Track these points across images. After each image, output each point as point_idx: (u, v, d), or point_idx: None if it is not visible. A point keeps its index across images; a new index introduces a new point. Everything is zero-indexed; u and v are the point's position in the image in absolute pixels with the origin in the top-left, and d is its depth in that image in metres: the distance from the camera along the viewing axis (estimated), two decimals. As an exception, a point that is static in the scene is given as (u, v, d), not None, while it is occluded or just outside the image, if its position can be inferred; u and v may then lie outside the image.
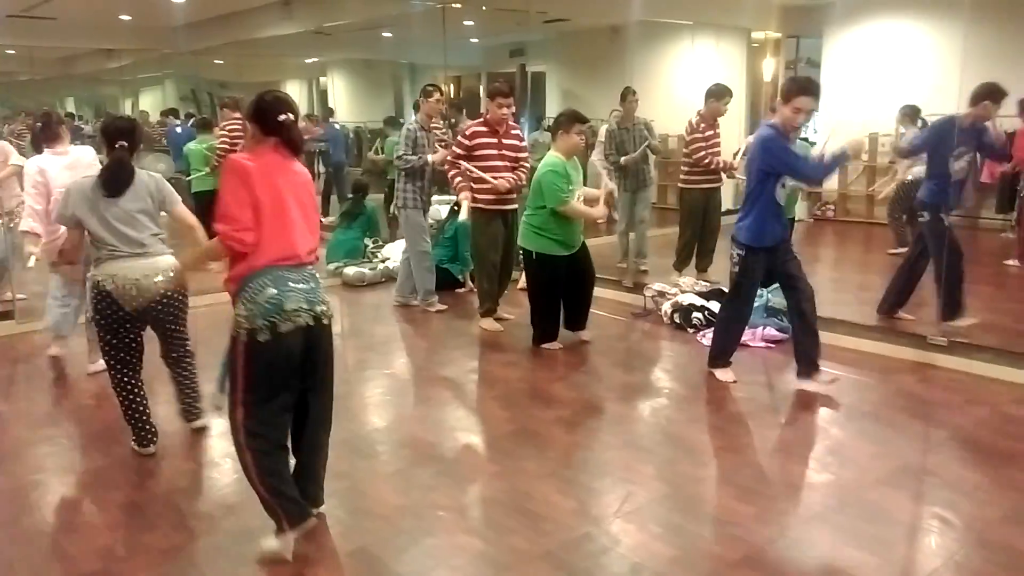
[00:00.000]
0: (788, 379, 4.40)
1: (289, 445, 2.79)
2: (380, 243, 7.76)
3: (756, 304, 5.13)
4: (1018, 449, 3.50)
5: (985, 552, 2.70)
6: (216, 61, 13.20)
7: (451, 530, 2.92)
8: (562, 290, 5.01)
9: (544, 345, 5.06)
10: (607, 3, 9.10)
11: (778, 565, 2.68)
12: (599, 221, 5.10)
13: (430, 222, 6.55)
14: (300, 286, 2.61)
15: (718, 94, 6.25)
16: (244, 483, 2.75)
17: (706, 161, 6.27)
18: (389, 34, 11.78)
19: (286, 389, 2.65)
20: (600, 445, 3.65)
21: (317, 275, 2.75)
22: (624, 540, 2.82)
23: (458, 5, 8.48)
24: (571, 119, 4.89)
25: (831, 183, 9.57)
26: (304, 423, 2.81)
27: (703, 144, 6.26)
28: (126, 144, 3.43)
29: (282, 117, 2.63)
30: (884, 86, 8.55)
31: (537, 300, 5.08)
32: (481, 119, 5.46)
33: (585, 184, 5.26)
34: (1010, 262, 6.99)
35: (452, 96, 12.48)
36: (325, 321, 2.70)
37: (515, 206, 5.41)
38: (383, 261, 7.34)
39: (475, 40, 12.46)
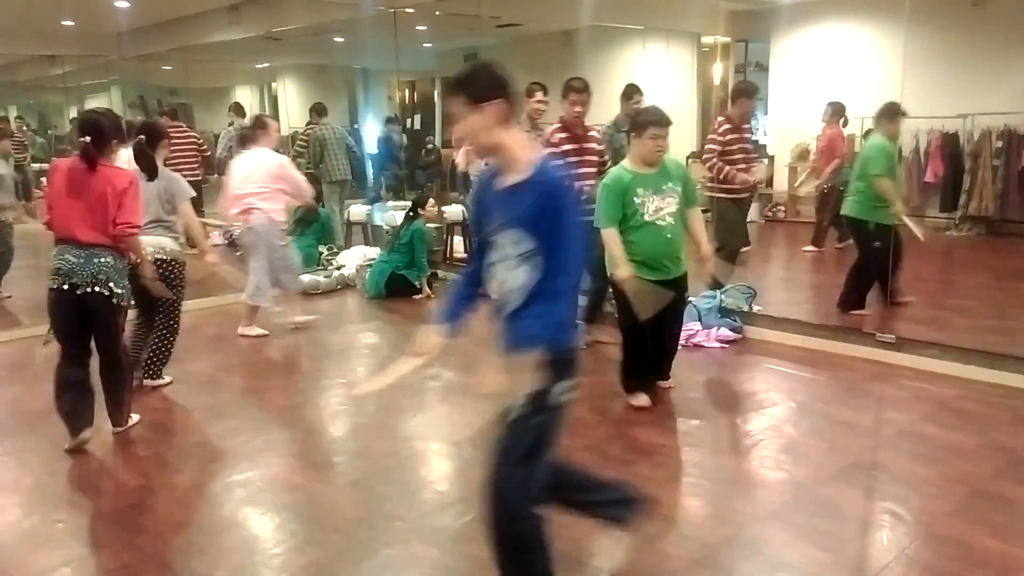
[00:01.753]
0: (742, 379, 4.46)
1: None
2: (335, 250, 7.69)
3: (709, 305, 5.20)
4: (965, 443, 3.59)
5: (935, 545, 2.76)
6: (164, 67, 12.95)
7: (408, 540, 2.88)
8: (654, 325, 3.95)
9: (638, 400, 4.08)
10: (559, 8, 9.15)
11: (734, 564, 2.70)
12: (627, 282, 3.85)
13: (386, 228, 6.53)
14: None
15: (750, 91, 5.54)
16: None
17: (724, 173, 5.40)
18: (341, 39, 11.67)
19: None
20: (556, 448, 3.64)
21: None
22: (582, 544, 2.82)
23: (410, 10, 8.43)
24: (645, 123, 3.88)
25: (781, 184, 9.76)
26: None
27: (718, 151, 5.44)
28: (143, 138, 4.22)
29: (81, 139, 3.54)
30: (830, 88, 8.72)
31: (624, 336, 4.13)
32: (559, 123, 4.76)
33: None
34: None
35: (407, 101, 12.43)
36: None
37: None
38: (338, 268, 7.26)
39: (428, 45, 12.41)
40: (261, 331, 5.63)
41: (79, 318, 3.61)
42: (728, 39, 10.56)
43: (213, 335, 5.71)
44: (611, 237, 3.85)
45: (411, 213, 6.76)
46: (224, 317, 5.97)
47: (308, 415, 4.24)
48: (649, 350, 4.08)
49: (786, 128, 9.47)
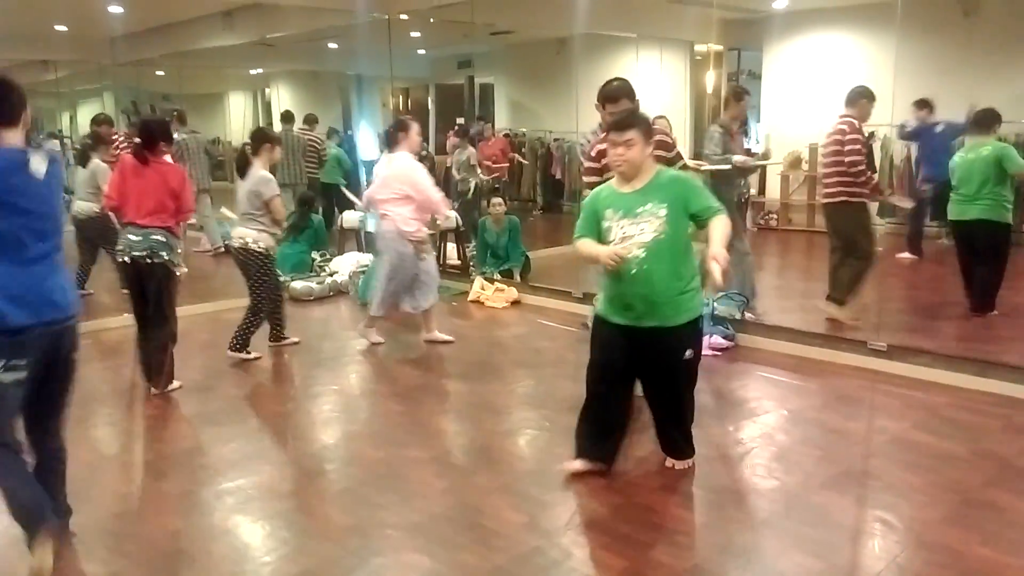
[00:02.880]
0: (734, 386, 4.46)
1: None
2: (328, 256, 7.68)
3: (702, 312, 5.21)
4: (955, 451, 3.60)
5: (925, 553, 2.77)
6: (157, 72, 12.93)
7: (400, 548, 2.88)
8: (620, 379, 3.35)
9: (569, 464, 3.40)
10: (553, 16, 9.17)
11: (726, 572, 2.70)
12: (611, 262, 3.11)
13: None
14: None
15: (870, 95, 5.49)
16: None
17: (866, 175, 5.37)
18: (335, 45, 11.68)
19: None
20: (550, 458, 3.63)
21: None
22: (575, 553, 2.82)
23: (405, 17, 8.45)
24: (607, 127, 3.41)
25: (773, 193, 9.80)
26: None
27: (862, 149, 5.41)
28: (249, 145, 5.21)
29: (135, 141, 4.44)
30: (822, 96, 8.76)
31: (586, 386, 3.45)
32: (603, 133, 4.15)
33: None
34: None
35: (401, 108, 12.44)
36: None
37: None
38: (331, 275, 7.25)
39: (422, 52, 12.43)
40: (377, 339, 5.52)
41: (139, 284, 4.41)
42: (721, 47, 10.60)
43: (204, 341, 5.69)
44: (580, 244, 3.28)
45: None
46: (216, 324, 5.95)
47: (300, 422, 4.23)
48: (612, 404, 3.35)
49: (778, 136, 9.50)
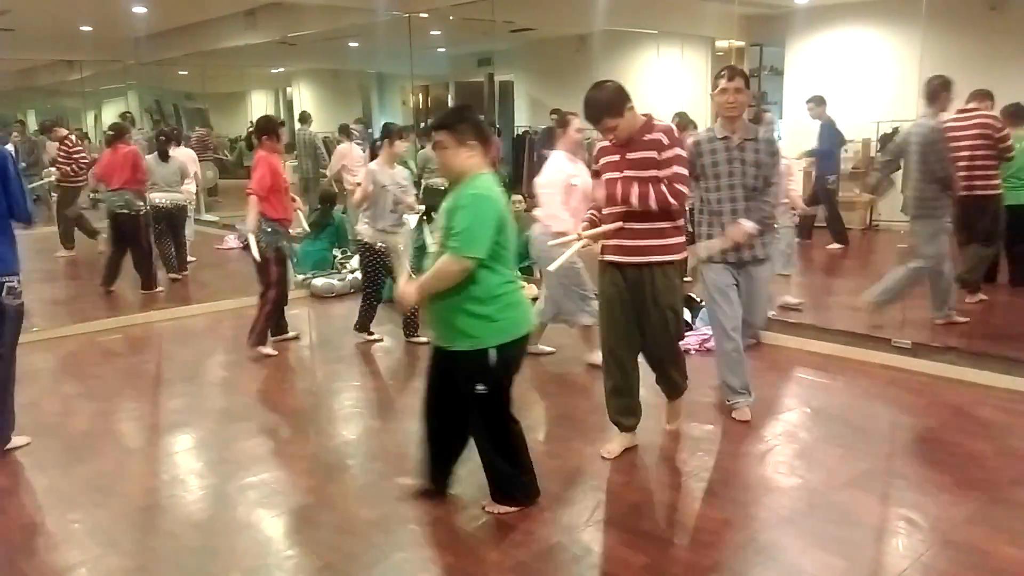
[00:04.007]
0: (756, 384, 4.43)
1: None
2: (348, 254, 7.71)
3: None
4: (981, 449, 3.56)
5: (950, 552, 2.74)
6: (180, 72, 13.06)
7: (422, 544, 2.89)
8: (444, 406, 3.06)
9: (404, 480, 3.30)
10: (573, 13, 9.15)
11: (748, 570, 2.68)
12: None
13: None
14: None
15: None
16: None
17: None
18: (356, 44, 11.74)
19: None
20: (571, 454, 3.64)
21: None
22: (595, 549, 2.82)
23: (425, 15, 8.47)
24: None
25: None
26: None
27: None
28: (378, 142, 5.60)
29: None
30: (845, 93, 8.68)
31: None
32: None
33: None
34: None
35: (420, 106, 12.46)
36: None
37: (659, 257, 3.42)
38: (352, 272, 7.28)
39: (442, 49, 12.46)
40: (546, 348, 5.12)
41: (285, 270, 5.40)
42: (743, 43, 10.53)
43: (228, 337, 5.74)
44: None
45: (424, 217, 6.77)
46: (239, 320, 6.00)
47: (321, 417, 4.26)
48: (443, 437, 3.10)
49: (801, 132, 9.42)
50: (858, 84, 8.70)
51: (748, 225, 3.72)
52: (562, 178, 4.60)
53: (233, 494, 3.33)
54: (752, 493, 3.24)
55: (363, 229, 5.40)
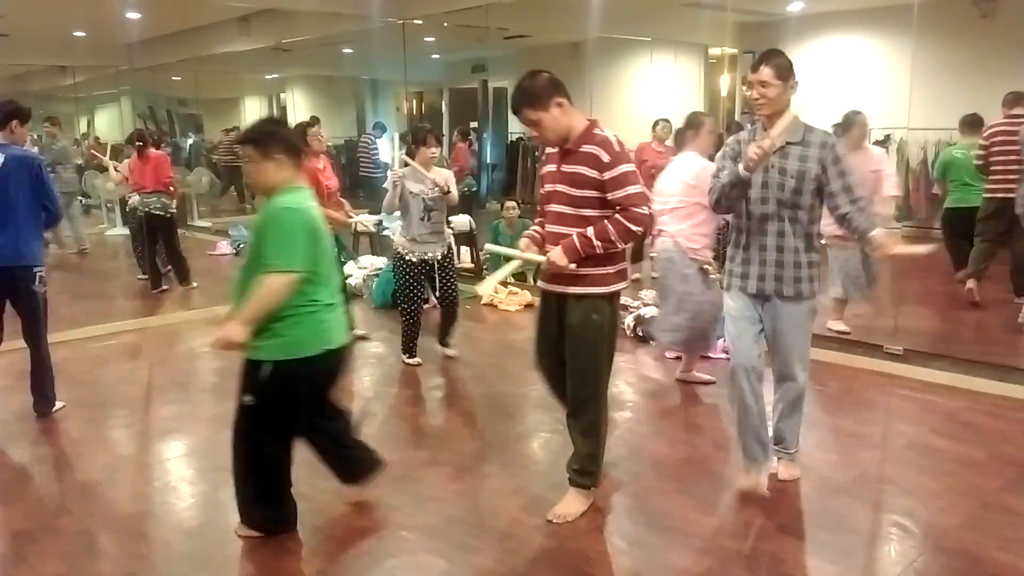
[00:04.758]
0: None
1: None
2: (343, 260, 7.69)
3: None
4: (973, 456, 3.57)
5: (943, 558, 2.74)
6: (174, 78, 13.04)
7: (414, 550, 2.88)
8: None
9: (242, 531, 3.01)
10: (567, 20, 9.18)
11: (741, 577, 2.69)
12: None
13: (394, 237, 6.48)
14: None
15: None
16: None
17: None
18: (350, 50, 11.75)
19: None
20: (564, 460, 3.62)
21: None
22: (590, 555, 2.81)
23: (419, 21, 8.48)
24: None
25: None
26: None
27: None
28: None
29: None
30: (837, 100, 8.72)
31: None
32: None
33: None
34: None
35: (415, 112, 12.48)
36: None
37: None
38: (346, 278, 7.27)
39: (436, 56, 12.48)
40: (704, 377, 4.59)
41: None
42: (735, 51, 10.58)
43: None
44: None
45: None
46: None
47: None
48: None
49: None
50: (850, 92, 8.74)
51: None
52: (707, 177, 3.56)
53: (225, 501, 3.30)
54: (745, 500, 3.24)
55: (396, 239, 5.21)
